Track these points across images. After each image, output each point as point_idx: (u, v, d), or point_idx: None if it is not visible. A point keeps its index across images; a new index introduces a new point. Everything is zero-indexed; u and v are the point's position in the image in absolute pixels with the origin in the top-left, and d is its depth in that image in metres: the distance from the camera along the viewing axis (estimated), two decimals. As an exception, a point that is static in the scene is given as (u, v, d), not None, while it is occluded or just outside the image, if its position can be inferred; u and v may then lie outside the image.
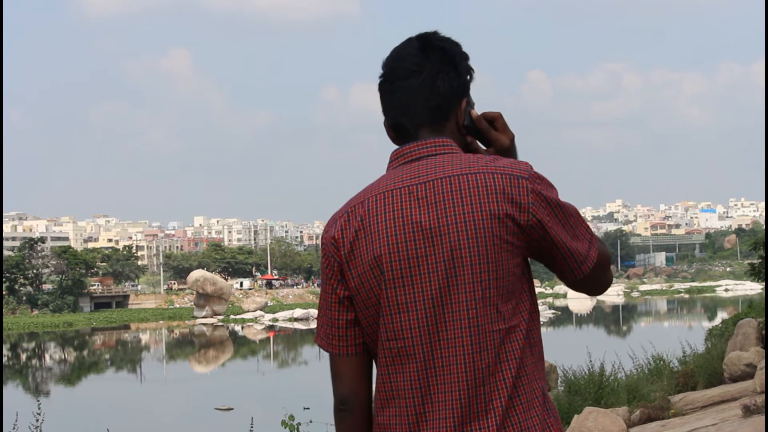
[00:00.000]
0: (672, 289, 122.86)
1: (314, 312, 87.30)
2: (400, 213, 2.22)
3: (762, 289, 49.95)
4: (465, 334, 2.17)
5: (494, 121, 2.41)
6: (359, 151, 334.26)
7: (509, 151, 2.40)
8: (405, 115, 2.32)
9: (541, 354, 2.28)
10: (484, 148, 2.43)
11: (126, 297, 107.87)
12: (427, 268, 2.19)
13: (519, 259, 2.22)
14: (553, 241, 2.23)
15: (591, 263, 2.28)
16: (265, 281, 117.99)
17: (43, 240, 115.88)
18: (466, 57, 2.38)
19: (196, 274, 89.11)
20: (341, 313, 2.32)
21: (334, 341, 2.35)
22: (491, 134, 2.40)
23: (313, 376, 43.17)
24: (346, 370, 2.35)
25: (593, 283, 2.32)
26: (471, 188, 2.18)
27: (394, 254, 2.21)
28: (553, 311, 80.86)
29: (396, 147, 2.36)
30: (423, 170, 2.25)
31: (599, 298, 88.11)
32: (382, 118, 2.38)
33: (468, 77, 2.38)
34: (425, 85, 2.30)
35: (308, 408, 14.95)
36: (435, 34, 2.37)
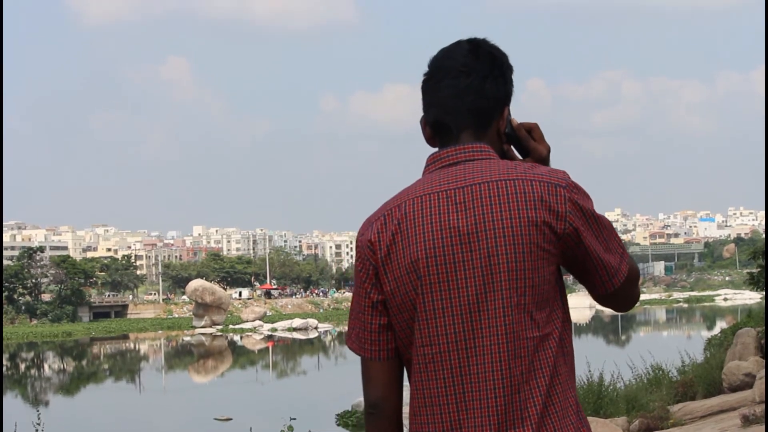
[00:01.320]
0: (671, 298, 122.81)
1: (313, 322, 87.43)
2: (437, 217, 2.22)
3: (761, 298, 49.95)
4: (501, 341, 2.17)
5: (532, 131, 2.42)
6: (358, 160, 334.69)
7: (545, 162, 2.40)
8: (449, 115, 2.32)
9: (573, 363, 2.29)
10: (519, 157, 2.43)
11: (125, 307, 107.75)
12: (464, 273, 2.19)
13: (554, 267, 2.23)
14: (587, 251, 2.24)
15: (622, 277, 2.29)
16: (263, 291, 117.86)
17: (42, 249, 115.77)
18: (512, 68, 2.40)
19: (195, 283, 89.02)
20: (374, 317, 2.31)
21: (366, 345, 2.33)
22: (529, 144, 2.41)
23: (312, 386, 43.15)
24: (377, 375, 2.33)
25: (622, 297, 2.33)
26: (509, 194, 2.19)
27: (431, 259, 2.21)
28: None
29: (432, 151, 2.36)
30: (461, 175, 2.25)
31: (597, 307, 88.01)
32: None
33: (512, 87, 2.39)
34: (473, 86, 2.31)
35: (294, 419, 14.98)
36: (485, 40, 2.38)
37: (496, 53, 2.36)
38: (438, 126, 2.34)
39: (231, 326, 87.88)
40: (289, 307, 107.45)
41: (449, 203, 2.22)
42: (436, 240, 2.21)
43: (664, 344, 38.16)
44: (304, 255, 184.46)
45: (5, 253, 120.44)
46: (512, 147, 2.43)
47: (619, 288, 2.29)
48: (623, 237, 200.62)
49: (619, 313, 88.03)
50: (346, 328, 2.43)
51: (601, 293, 2.30)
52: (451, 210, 2.21)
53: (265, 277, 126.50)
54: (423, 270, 2.21)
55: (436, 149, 2.35)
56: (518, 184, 2.19)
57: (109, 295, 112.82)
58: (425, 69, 2.38)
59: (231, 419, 30.21)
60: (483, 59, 2.33)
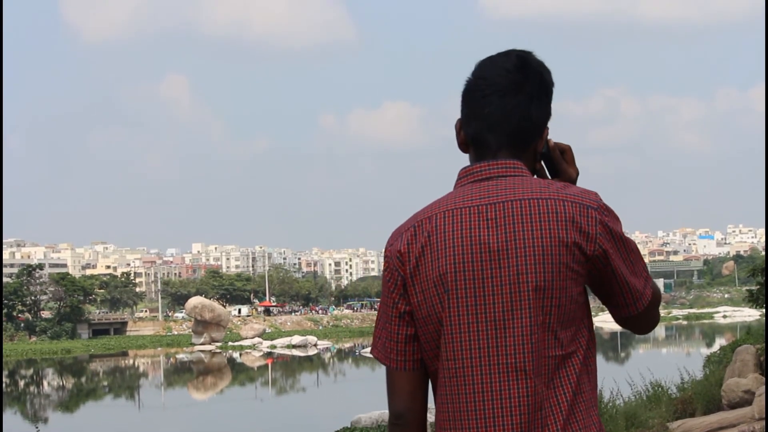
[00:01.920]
0: (670, 315, 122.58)
1: (312, 339, 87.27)
2: (468, 232, 2.22)
3: (760, 315, 49.86)
4: (526, 359, 2.18)
5: (564, 152, 2.44)
6: (358, 177, 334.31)
7: (574, 184, 2.40)
8: (492, 132, 2.32)
9: (596, 381, 2.29)
10: (548, 176, 2.44)
11: (124, 324, 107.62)
12: (492, 289, 2.20)
13: (581, 287, 2.23)
14: (614, 274, 2.24)
15: (646, 301, 2.30)
16: (263, 308, 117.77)
17: (41, 266, 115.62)
18: (554, 86, 2.40)
19: (194, 300, 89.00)
20: (401, 327, 2.32)
21: (392, 355, 2.33)
22: (561, 165, 2.43)
23: (311, 403, 43.08)
24: (402, 385, 2.33)
25: (644, 320, 2.34)
26: (541, 213, 2.19)
27: (460, 273, 2.22)
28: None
29: (466, 165, 2.36)
30: (493, 191, 2.25)
31: (597, 324, 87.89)
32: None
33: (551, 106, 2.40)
34: (520, 107, 2.31)
35: None
36: (532, 55, 2.38)
37: (544, 72, 2.37)
38: (479, 141, 2.34)
39: (230, 343, 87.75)
40: (289, 324, 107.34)
41: (480, 219, 2.23)
42: (465, 255, 2.22)
43: (663, 361, 38.19)
44: (303, 272, 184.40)
45: (5, 270, 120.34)
46: (544, 165, 2.44)
47: (642, 311, 2.31)
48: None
49: (624, 330, 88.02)
50: (371, 338, 2.43)
51: (624, 315, 2.32)
52: (482, 226, 2.22)
53: (265, 295, 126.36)
54: (451, 284, 2.22)
55: (468, 164, 2.35)
56: (550, 203, 2.21)
57: (100, 312, 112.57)
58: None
59: (230, 436, 30.20)
60: (531, 78, 2.34)
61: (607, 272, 2.24)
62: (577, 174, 2.44)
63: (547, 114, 2.37)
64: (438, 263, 2.24)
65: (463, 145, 2.40)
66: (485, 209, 2.23)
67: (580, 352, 2.23)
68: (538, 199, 2.21)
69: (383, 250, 2.39)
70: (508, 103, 2.31)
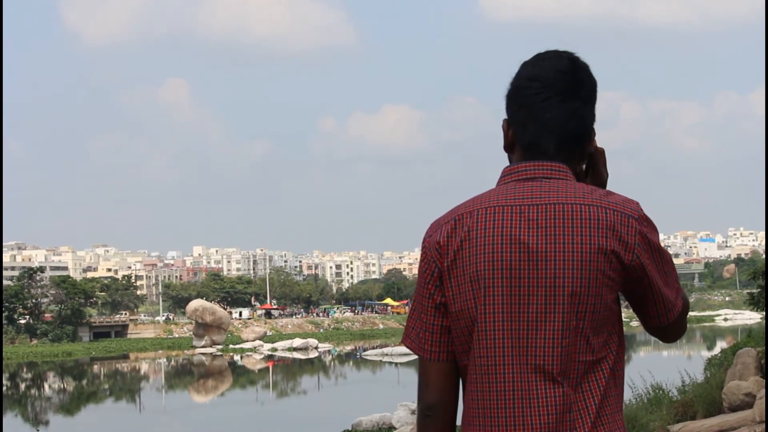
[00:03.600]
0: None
1: (313, 342, 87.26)
2: (508, 231, 2.22)
3: (761, 318, 49.87)
4: (555, 362, 2.18)
5: (600, 155, 2.44)
6: (357, 180, 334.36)
7: (605, 186, 2.41)
8: (552, 136, 2.31)
9: (623, 387, 2.30)
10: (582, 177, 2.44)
11: (125, 326, 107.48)
12: (528, 290, 2.20)
13: (615, 294, 2.24)
14: (649, 284, 2.25)
15: (677, 312, 2.31)
16: (264, 311, 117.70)
17: (42, 269, 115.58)
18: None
19: (195, 303, 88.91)
20: (437, 318, 2.32)
21: (426, 346, 2.34)
22: (598, 166, 2.43)
23: (312, 406, 43.07)
24: (435, 376, 2.33)
25: (674, 330, 2.35)
26: (583, 219, 2.20)
27: (497, 271, 2.22)
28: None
29: (509, 164, 2.36)
30: (537, 192, 2.25)
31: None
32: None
33: None
34: (578, 112, 2.32)
35: None
36: (578, 57, 2.38)
37: (592, 75, 2.39)
38: (534, 145, 2.33)
39: (231, 346, 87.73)
40: (289, 327, 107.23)
41: (521, 219, 2.23)
42: (504, 253, 2.22)
43: (664, 364, 38.17)
44: (304, 275, 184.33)
45: (5, 273, 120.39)
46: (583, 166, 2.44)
47: (673, 322, 2.32)
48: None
49: (626, 333, 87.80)
50: (404, 327, 2.43)
51: (655, 325, 2.33)
52: (523, 226, 2.22)
53: (265, 297, 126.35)
54: (488, 281, 2.23)
55: (513, 163, 2.35)
56: (592, 210, 2.21)
57: (106, 315, 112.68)
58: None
59: (231, 439, 30.20)
60: (586, 81, 2.36)
61: (643, 282, 2.25)
62: (608, 176, 2.45)
63: (594, 116, 2.38)
64: (476, 259, 2.24)
65: (510, 146, 2.40)
66: (527, 210, 2.23)
67: (610, 357, 2.24)
68: (581, 205, 2.22)
69: (422, 242, 2.37)
70: (569, 107, 2.31)
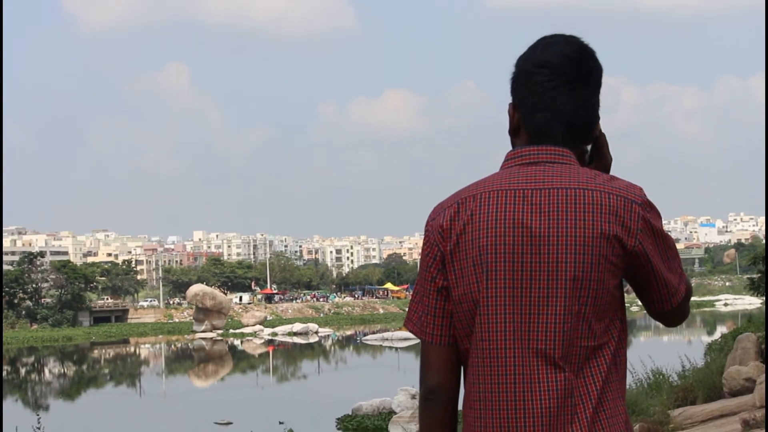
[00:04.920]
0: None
1: (313, 326, 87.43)
2: (511, 215, 2.21)
3: (761, 303, 49.97)
4: (557, 347, 2.17)
5: (602, 139, 2.44)
6: (358, 165, 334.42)
7: (609, 170, 2.42)
8: (561, 124, 2.30)
9: (625, 373, 2.30)
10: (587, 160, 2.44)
11: (125, 311, 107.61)
12: (530, 274, 2.20)
13: (618, 280, 2.23)
14: (652, 269, 2.25)
15: (680, 297, 2.31)
16: (264, 296, 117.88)
17: (42, 254, 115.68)
18: None
19: (196, 288, 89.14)
20: (439, 301, 2.31)
21: (428, 329, 2.33)
22: (602, 150, 2.43)
23: (312, 391, 43.12)
24: (437, 360, 2.32)
25: (677, 315, 2.34)
26: (586, 204, 2.19)
27: (500, 255, 2.21)
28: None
29: (512, 147, 2.36)
30: (540, 176, 2.25)
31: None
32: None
33: None
34: (588, 100, 2.32)
35: (282, 422, 14.97)
36: (584, 42, 2.37)
37: (598, 61, 2.37)
38: (542, 132, 2.32)
39: (231, 331, 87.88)
40: (290, 311, 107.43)
41: (525, 203, 2.22)
42: (507, 237, 2.21)
43: (664, 349, 38.15)
44: (304, 260, 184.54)
45: (6, 258, 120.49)
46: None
47: (676, 307, 2.31)
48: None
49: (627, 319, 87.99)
50: (407, 310, 2.41)
51: (658, 310, 2.32)
52: (526, 210, 2.21)
53: (266, 282, 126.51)
54: (490, 265, 2.22)
55: (517, 147, 2.34)
56: (596, 195, 2.20)
57: (106, 299, 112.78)
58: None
59: (231, 423, 30.27)
60: (594, 69, 2.34)
61: (646, 268, 2.25)
62: (611, 160, 2.44)
63: (599, 102, 2.37)
64: (479, 243, 2.23)
65: (515, 131, 2.38)
66: (531, 194, 2.22)
67: (612, 343, 2.23)
68: (584, 190, 2.21)
69: (424, 226, 2.36)
70: (578, 96, 2.30)
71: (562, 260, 2.18)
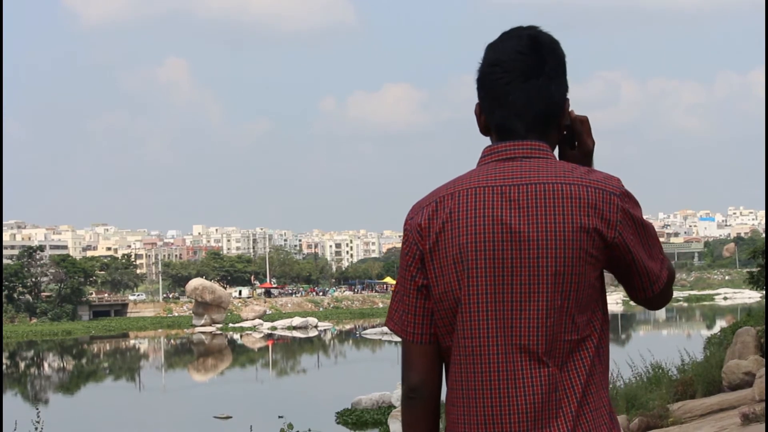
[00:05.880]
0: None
1: (313, 320, 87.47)
2: (490, 212, 2.21)
3: (761, 297, 49.94)
4: (540, 342, 2.17)
5: (582, 123, 2.42)
6: (358, 159, 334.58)
7: (591, 155, 2.42)
8: (519, 118, 2.29)
9: (608, 365, 2.29)
10: (568, 147, 2.43)
11: (125, 305, 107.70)
12: (511, 270, 2.19)
13: (599, 272, 2.24)
14: (633, 259, 2.25)
15: (662, 283, 2.31)
16: (263, 290, 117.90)
17: (41, 248, 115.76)
18: (565, 56, 2.38)
19: (195, 282, 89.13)
20: (419, 300, 2.30)
21: (409, 328, 2.33)
22: (582, 136, 2.41)
23: (311, 385, 43.15)
24: (419, 358, 2.32)
25: (660, 299, 2.36)
26: (564, 198, 2.19)
27: (480, 252, 2.21)
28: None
29: (489, 143, 2.34)
30: (517, 172, 2.24)
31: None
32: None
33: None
34: (542, 90, 2.29)
35: (282, 416, 14.96)
36: (541, 31, 2.35)
37: (557, 48, 2.35)
38: (505, 129, 2.31)
39: (231, 325, 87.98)
40: (289, 305, 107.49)
41: (503, 200, 2.21)
42: (486, 234, 2.20)
43: (663, 343, 38.20)
44: (304, 254, 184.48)
45: (5, 252, 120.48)
46: (565, 138, 2.43)
47: (658, 293, 2.32)
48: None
49: (624, 312, 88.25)
50: (388, 309, 2.41)
51: (640, 297, 2.33)
52: (505, 207, 2.21)
53: (265, 276, 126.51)
54: (471, 263, 2.21)
55: (493, 143, 2.34)
56: (573, 188, 2.20)
57: (106, 295, 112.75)
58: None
59: (231, 417, 30.28)
60: (549, 58, 2.31)
61: (627, 258, 2.24)
62: (593, 144, 2.43)
63: (566, 88, 2.35)
64: (458, 241, 2.23)
65: (486, 129, 2.38)
66: (508, 190, 2.22)
67: (594, 335, 2.23)
68: (561, 184, 2.20)
69: (403, 225, 2.36)
70: (530, 87, 2.28)
71: (543, 256, 2.17)
